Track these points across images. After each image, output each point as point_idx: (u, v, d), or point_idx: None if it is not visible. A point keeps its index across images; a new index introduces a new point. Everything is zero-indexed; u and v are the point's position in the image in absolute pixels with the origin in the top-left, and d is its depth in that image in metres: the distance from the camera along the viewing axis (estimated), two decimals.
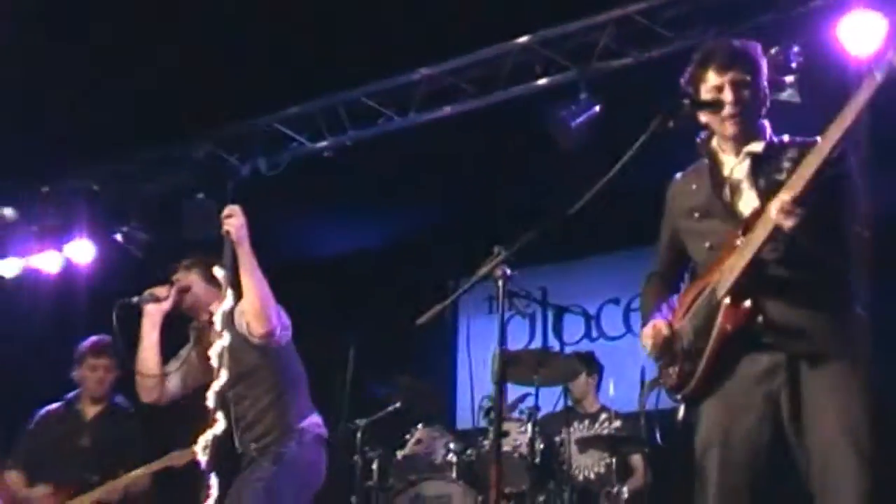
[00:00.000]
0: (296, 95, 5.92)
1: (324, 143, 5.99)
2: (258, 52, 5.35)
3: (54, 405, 5.07)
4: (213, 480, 3.51)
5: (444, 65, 5.52)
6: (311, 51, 5.34)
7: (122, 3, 5.03)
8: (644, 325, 2.92)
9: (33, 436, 5.02)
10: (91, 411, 5.01)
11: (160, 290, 4.01)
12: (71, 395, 5.07)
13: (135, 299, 3.99)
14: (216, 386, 3.64)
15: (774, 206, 2.47)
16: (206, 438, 3.56)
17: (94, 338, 4.87)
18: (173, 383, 4.05)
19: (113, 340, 4.50)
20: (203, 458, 3.55)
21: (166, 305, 4.00)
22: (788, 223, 2.45)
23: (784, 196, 2.46)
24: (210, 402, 3.63)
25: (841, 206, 2.58)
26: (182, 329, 4.13)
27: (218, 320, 3.74)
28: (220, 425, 3.59)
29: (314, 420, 3.98)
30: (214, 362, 3.70)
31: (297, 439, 3.86)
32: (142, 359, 4.00)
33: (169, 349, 4.11)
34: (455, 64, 5.51)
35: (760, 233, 2.54)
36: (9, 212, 3.69)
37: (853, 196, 2.62)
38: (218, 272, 3.85)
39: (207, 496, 3.48)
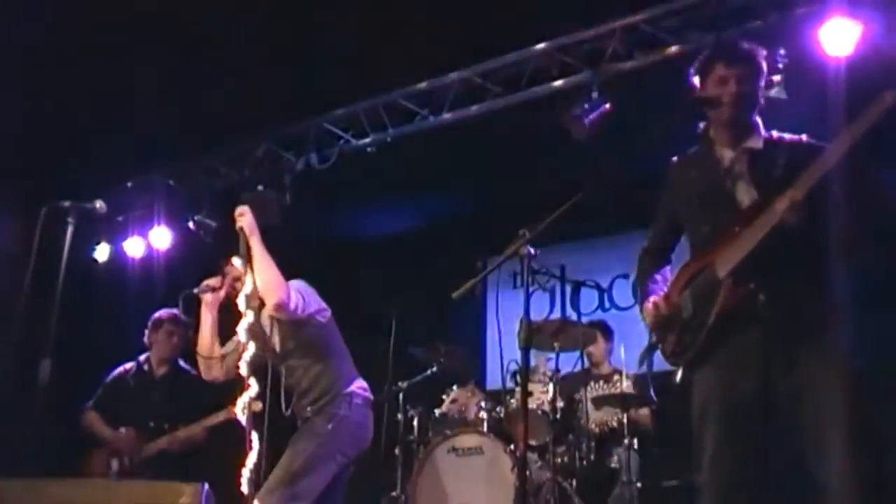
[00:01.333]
0: (342, 98, 5.96)
1: (367, 140, 6.00)
2: (309, 62, 5.40)
3: (128, 364, 5.19)
4: (254, 436, 3.56)
5: (473, 69, 5.54)
6: (355, 59, 5.38)
7: (188, 27, 5.10)
8: (643, 299, 2.93)
9: (109, 387, 5.16)
10: (160, 370, 5.13)
11: (215, 281, 4.06)
12: (142, 356, 5.18)
13: (195, 290, 4.05)
14: (246, 357, 3.66)
15: (782, 205, 2.50)
16: (242, 401, 3.59)
17: (172, 309, 4.96)
18: (230, 362, 4.05)
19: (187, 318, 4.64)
20: (241, 418, 3.61)
21: (221, 294, 4.04)
22: (794, 220, 2.49)
23: (792, 196, 2.49)
24: (242, 370, 3.65)
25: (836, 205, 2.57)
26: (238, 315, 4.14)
27: (241, 302, 3.76)
28: (253, 389, 3.60)
29: (361, 384, 4.03)
30: (242, 337, 3.72)
31: (348, 401, 3.90)
32: (201, 341, 4.07)
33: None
34: (482, 68, 5.51)
35: (764, 224, 2.55)
36: (100, 204, 3.76)
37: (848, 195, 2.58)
38: (236, 261, 3.86)
39: (250, 448, 3.55)
